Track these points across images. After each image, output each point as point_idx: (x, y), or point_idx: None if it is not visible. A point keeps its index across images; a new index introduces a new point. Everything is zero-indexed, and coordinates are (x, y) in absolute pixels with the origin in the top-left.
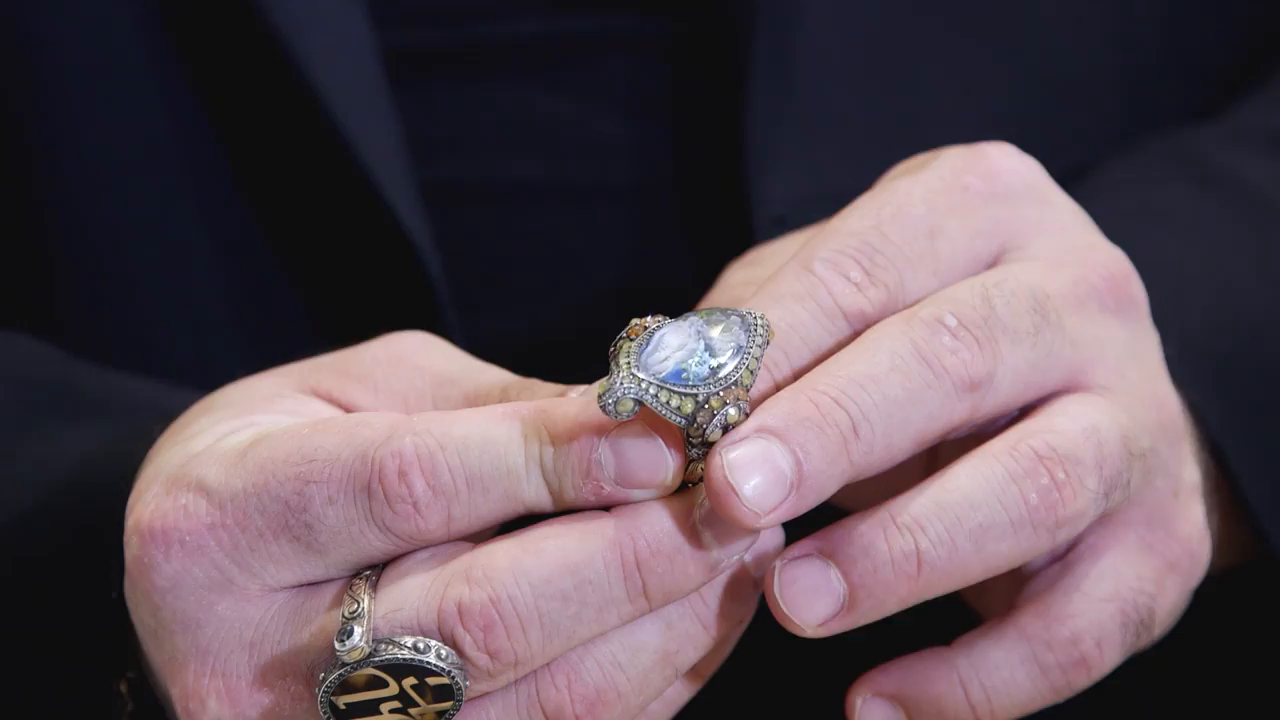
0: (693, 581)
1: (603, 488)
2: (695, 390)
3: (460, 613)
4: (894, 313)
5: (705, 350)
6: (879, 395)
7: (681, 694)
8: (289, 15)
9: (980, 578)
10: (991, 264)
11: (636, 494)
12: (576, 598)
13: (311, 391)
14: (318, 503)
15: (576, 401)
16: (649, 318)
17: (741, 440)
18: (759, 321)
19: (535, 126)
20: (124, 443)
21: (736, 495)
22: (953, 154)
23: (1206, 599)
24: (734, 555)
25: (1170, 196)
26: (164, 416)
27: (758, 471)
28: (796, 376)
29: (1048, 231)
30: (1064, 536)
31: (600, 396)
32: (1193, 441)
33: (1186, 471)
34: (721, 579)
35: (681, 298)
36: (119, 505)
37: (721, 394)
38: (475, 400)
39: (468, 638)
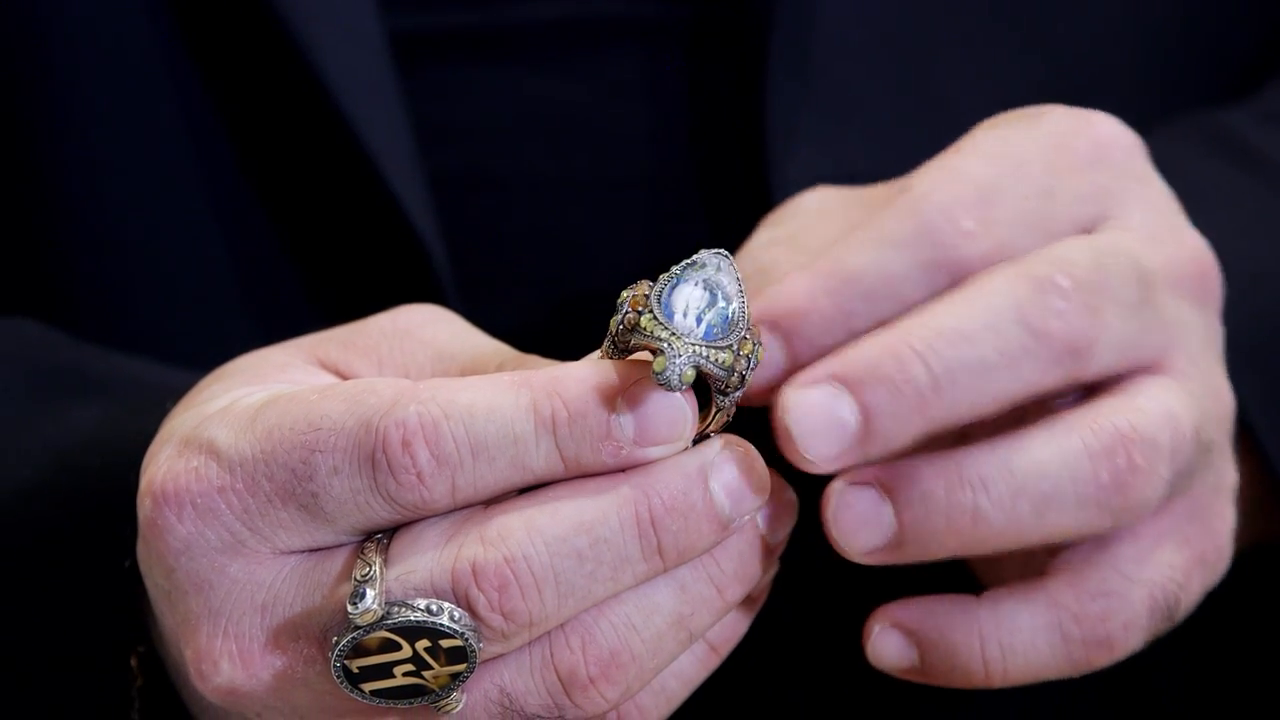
0: (706, 539)
1: (621, 449)
2: (730, 341)
3: (475, 573)
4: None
5: (711, 296)
6: (969, 354)
7: (699, 671)
8: (295, 2)
9: (1035, 544)
10: (1088, 230)
11: (655, 452)
12: (592, 556)
13: (319, 363)
14: (323, 472)
15: (586, 365)
16: (640, 283)
17: (810, 383)
18: (722, 254)
19: (551, 114)
20: (130, 417)
21: (792, 437)
22: (1061, 115)
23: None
24: (745, 513)
25: (1206, 177)
26: (173, 393)
27: (817, 418)
28: (876, 325)
29: (1144, 207)
30: (1125, 521)
31: (660, 373)
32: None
33: (1229, 471)
34: (736, 543)
35: None
36: (128, 478)
37: (747, 335)
38: (471, 374)
39: (482, 598)
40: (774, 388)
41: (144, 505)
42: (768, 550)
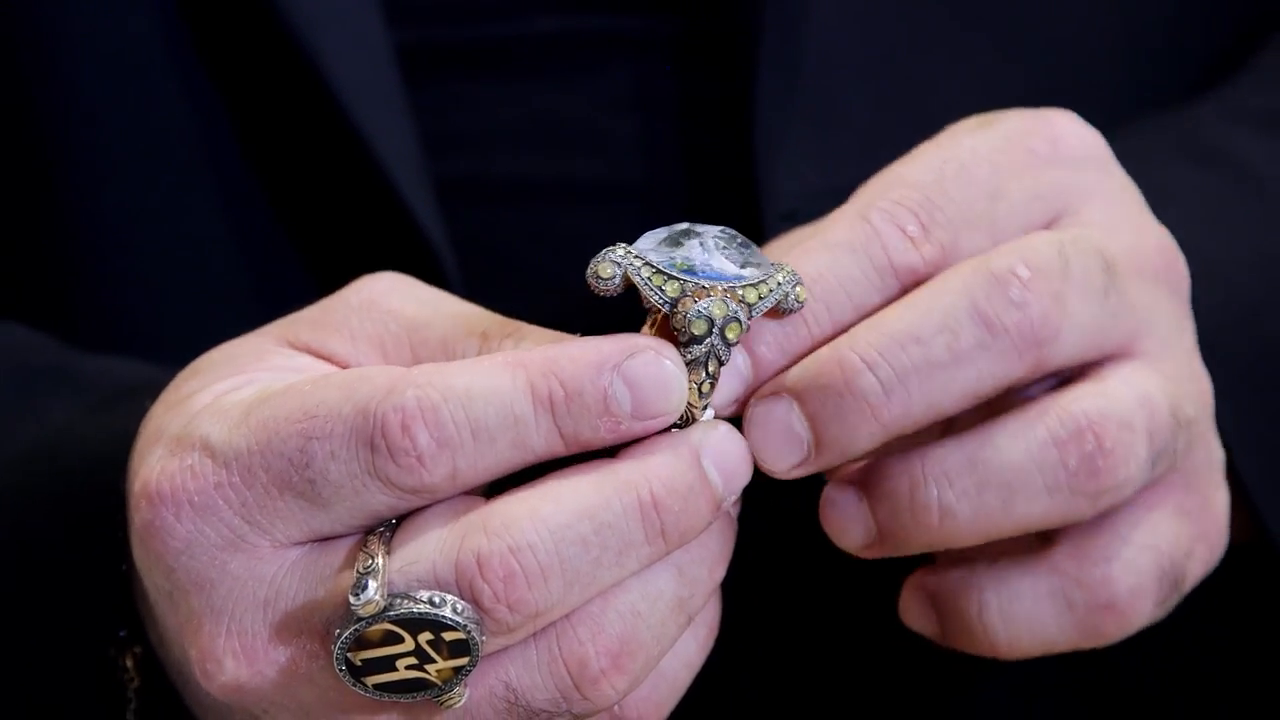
0: (704, 518)
1: (620, 424)
2: (682, 278)
3: (479, 564)
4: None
5: (705, 253)
6: (919, 357)
7: (699, 654)
8: (305, 12)
9: (1013, 534)
10: (1046, 228)
11: (652, 424)
12: (597, 542)
13: (291, 345)
14: (320, 458)
15: (579, 343)
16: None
17: (766, 396)
18: (785, 268)
19: (547, 125)
20: (108, 413)
21: (756, 448)
22: (1018, 116)
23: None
24: (735, 491)
25: (1167, 176)
26: (146, 387)
27: (772, 431)
28: (837, 331)
29: (1104, 200)
30: (1106, 503)
31: (589, 266)
32: None
33: (1217, 448)
34: (719, 522)
35: None
36: (107, 474)
37: (708, 286)
38: (452, 344)
39: (487, 589)
40: (742, 400)
41: (139, 508)
42: (733, 525)
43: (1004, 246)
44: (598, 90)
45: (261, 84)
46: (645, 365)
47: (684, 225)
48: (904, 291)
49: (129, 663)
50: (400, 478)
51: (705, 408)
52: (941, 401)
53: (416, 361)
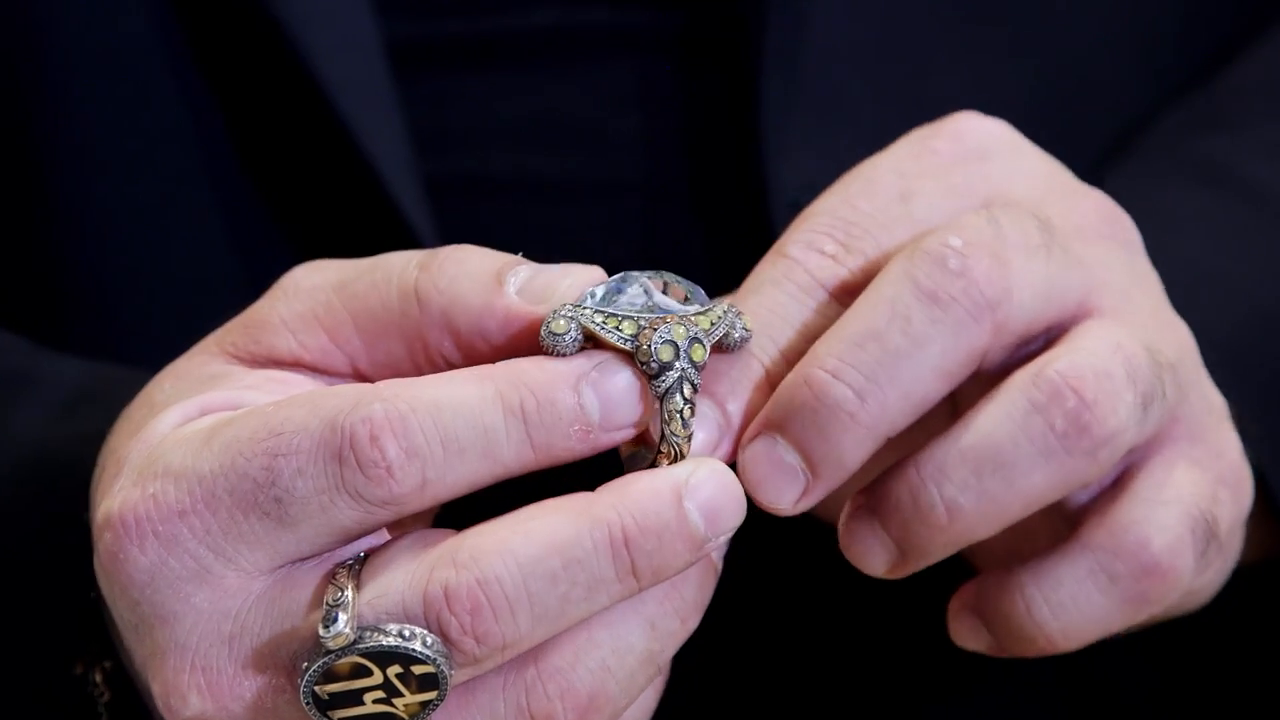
0: (680, 560)
1: (590, 433)
2: (636, 315)
3: (447, 596)
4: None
5: (648, 295)
6: (879, 351)
7: (655, 698)
8: (294, 8)
9: (1025, 513)
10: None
11: (617, 436)
12: (565, 577)
13: (231, 356)
14: (286, 475)
15: (544, 357)
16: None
17: (751, 437)
18: (723, 304)
19: (547, 121)
20: (70, 419)
21: (754, 490)
22: (921, 128)
23: (1224, 598)
24: (722, 534)
25: (1172, 197)
26: (110, 400)
27: (765, 469)
28: (788, 360)
29: (1026, 179)
30: (1106, 456)
31: (541, 329)
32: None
33: (1214, 394)
34: (696, 571)
35: None
36: (71, 483)
37: (664, 317)
38: (384, 286)
39: (454, 622)
40: (728, 451)
41: (103, 539)
42: (715, 573)
43: (930, 230)
44: (596, 86)
45: (251, 80)
46: (613, 375)
47: (620, 275)
48: (846, 306)
49: (98, 677)
50: (369, 490)
51: (690, 437)
52: (915, 389)
53: (355, 323)
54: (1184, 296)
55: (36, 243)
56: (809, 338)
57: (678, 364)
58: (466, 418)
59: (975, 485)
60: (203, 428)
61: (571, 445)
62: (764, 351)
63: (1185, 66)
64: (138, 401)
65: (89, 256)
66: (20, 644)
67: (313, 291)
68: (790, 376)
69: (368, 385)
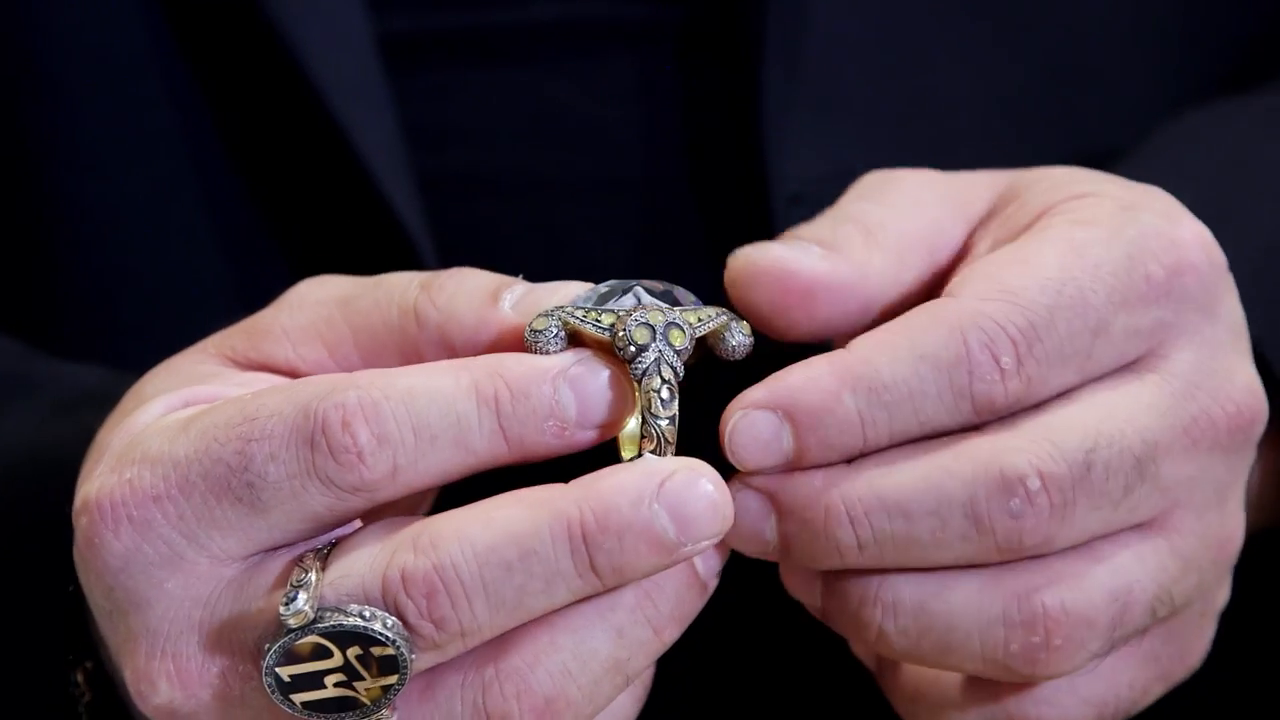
0: (646, 562)
1: (564, 430)
2: (617, 309)
3: (404, 579)
4: (1023, 408)
5: (637, 298)
6: (902, 531)
7: (634, 708)
8: (285, 6)
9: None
10: (1132, 365)
11: (593, 435)
12: (521, 568)
13: (229, 359)
14: (259, 460)
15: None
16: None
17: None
18: (721, 309)
19: (544, 116)
20: (60, 421)
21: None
22: (1149, 224)
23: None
24: (699, 540)
25: (1263, 154)
26: (105, 401)
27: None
28: (892, 439)
29: (1199, 346)
30: (1042, 681)
31: (525, 328)
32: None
33: (1220, 595)
34: (673, 582)
35: (693, 288)
36: (58, 484)
37: (646, 306)
38: (386, 305)
39: (410, 605)
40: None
41: (80, 522)
42: (702, 588)
43: (1031, 437)
44: (594, 81)
45: (243, 78)
46: (589, 371)
47: (613, 280)
48: (974, 417)
49: (80, 677)
50: (340, 475)
51: (672, 419)
52: (908, 564)
53: (355, 339)
54: (1260, 267)
55: (28, 242)
56: (927, 432)
57: (654, 345)
58: (440, 406)
59: (912, 635)
60: (182, 416)
61: (546, 440)
62: (873, 425)
63: (1187, 60)
64: (129, 395)
65: (82, 256)
66: (6, 642)
67: (317, 306)
68: (815, 483)
69: (345, 374)
